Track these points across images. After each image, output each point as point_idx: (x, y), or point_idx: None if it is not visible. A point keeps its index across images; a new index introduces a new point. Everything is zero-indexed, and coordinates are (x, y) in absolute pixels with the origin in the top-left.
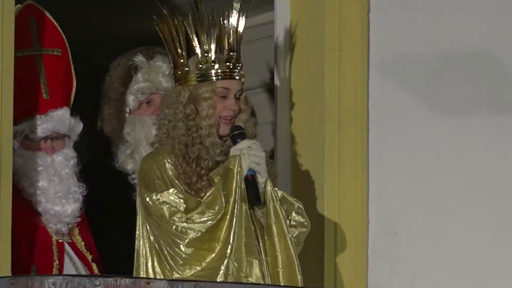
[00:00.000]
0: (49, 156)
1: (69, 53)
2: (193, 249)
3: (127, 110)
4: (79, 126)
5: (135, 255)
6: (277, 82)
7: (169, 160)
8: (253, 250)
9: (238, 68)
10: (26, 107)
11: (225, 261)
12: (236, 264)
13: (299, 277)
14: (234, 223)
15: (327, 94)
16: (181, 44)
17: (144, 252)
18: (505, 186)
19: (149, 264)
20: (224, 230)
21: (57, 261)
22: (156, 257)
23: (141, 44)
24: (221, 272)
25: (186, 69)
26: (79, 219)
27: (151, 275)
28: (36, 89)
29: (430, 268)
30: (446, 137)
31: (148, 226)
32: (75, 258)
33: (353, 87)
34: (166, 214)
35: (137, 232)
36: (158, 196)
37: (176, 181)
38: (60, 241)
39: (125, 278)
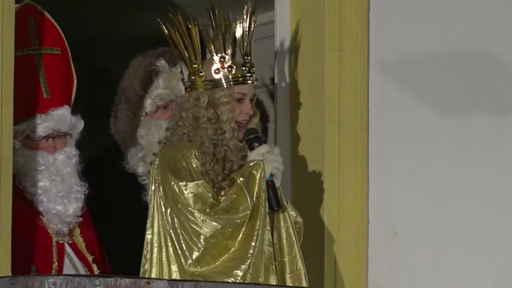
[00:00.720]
0: (51, 155)
1: (69, 51)
2: (212, 242)
3: (143, 113)
4: (80, 124)
5: (144, 242)
6: (277, 82)
7: (195, 154)
8: (271, 255)
9: (252, 71)
10: (26, 106)
11: (248, 261)
12: (256, 267)
13: (304, 282)
14: (257, 226)
15: (327, 94)
16: (195, 50)
17: (157, 242)
18: (505, 186)
19: (163, 253)
20: (242, 232)
21: (56, 263)
22: (171, 246)
23: (142, 44)
24: (240, 273)
25: (201, 73)
26: (81, 219)
27: (164, 264)
28: (36, 88)
29: (430, 268)
30: (446, 137)
31: (166, 215)
32: (75, 259)
33: (353, 87)
34: (192, 204)
35: (149, 219)
36: (187, 185)
37: (201, 175)
38: (60, 242)
39: (125, 278)
